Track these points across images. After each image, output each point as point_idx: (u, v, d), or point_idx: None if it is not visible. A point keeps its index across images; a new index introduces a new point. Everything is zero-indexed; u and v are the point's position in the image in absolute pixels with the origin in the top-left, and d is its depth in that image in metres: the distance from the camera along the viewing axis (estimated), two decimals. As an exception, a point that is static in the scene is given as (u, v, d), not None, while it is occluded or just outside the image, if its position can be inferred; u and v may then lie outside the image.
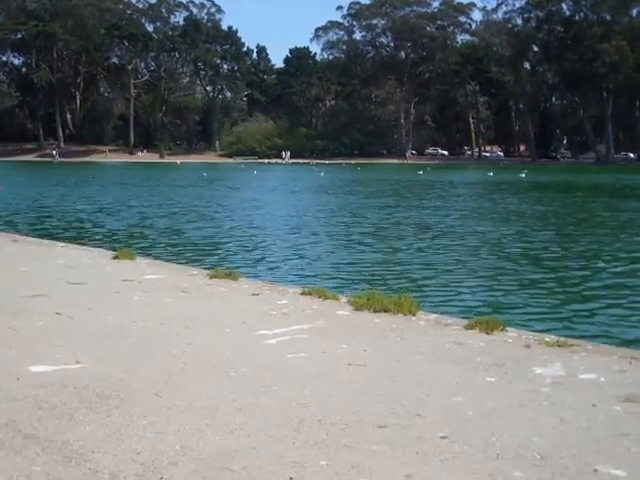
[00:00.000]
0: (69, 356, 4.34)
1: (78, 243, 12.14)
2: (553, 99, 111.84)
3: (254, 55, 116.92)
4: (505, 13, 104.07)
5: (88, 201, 25.89)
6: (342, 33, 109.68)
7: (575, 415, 3.44)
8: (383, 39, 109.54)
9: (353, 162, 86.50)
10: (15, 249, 10.08)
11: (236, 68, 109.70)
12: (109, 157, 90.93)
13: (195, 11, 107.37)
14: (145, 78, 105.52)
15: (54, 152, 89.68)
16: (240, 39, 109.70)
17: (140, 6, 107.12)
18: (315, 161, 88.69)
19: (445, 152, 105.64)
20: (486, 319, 5.31)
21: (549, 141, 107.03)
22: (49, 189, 33.13)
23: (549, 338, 4.94)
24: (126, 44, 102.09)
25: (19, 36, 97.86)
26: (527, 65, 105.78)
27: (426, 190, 35.34)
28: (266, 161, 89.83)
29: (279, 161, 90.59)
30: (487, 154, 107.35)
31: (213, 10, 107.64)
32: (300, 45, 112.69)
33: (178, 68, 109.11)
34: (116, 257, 8.87)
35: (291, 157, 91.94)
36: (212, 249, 14.11)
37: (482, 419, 3.37)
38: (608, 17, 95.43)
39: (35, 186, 35.47)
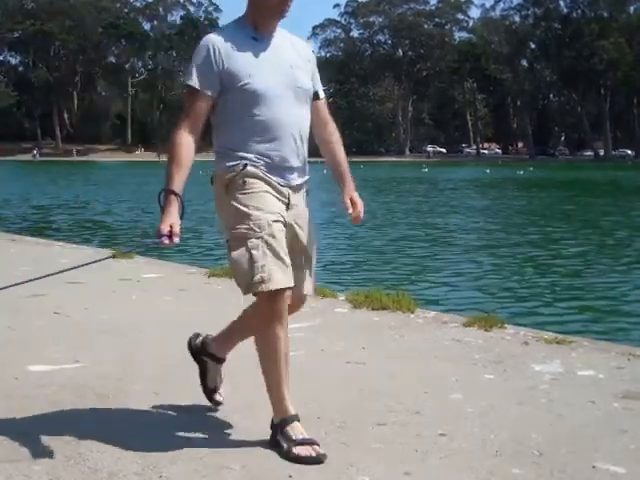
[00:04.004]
0: (68, 355, 4.34)
1: (75, 242, 12.12)
2: (551, 96, 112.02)
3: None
4: (503, 10, 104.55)
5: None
6: (339, 31, 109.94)
7: (574, 412, 3.44)
8: (381, 37, 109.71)
9: (355, 160, 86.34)
10: (14, 248, 10.07)
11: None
12: (76, 157, 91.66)
13: (192, 9, 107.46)
14: (143, 77, 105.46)
15: (34, 151, 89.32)
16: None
17: (137, 5, 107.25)
18: (313, 159, 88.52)
19: (443, 150, 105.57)
20: (485, 316, 5.32)
21: (547, 138, 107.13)
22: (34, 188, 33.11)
23: (547, 335, 4.94)
24: (123, 43, 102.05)
25: (16, 35, 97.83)
26: (525, 62, 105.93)
27: (433, 187, 35.35)
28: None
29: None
30: (485, 152, 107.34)
31: (210, 9, 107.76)
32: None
33: (176, 66, 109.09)
34: (114, 256, 8.83)
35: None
36: (211, 247, 14.10)
37: (481, 416, 3.37)
38: (605, 14, 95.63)
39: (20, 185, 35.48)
